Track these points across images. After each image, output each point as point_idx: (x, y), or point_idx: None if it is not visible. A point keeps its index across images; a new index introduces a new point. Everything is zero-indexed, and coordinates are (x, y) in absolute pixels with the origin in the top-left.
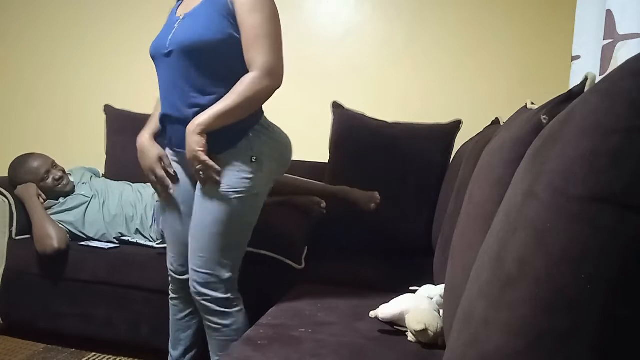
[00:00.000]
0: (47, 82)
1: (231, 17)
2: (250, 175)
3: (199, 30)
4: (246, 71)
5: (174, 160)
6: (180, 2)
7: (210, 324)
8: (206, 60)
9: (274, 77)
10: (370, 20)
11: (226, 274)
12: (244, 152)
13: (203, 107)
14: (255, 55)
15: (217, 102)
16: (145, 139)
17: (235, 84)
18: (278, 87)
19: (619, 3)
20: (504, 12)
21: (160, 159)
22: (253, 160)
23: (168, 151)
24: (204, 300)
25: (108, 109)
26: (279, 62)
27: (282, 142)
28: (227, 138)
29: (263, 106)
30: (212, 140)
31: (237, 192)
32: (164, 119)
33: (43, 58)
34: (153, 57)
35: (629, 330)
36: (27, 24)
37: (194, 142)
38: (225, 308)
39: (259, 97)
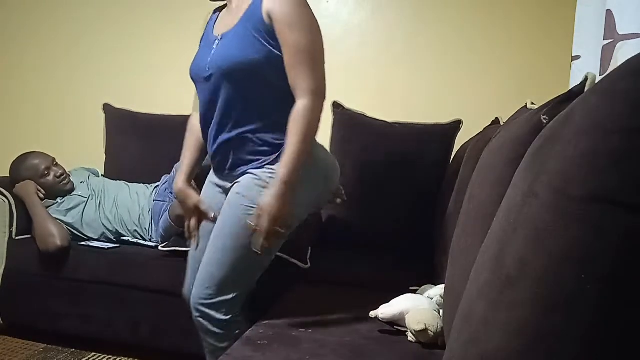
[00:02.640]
0: (45, 81)
1: (268, 33)
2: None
3: (236, 52)
4: (288, 88)
5: (215, 184)
6: (217, 14)
7: (206, 344)
8: (246, 81)
9: (321, 96)
10: (370, 20)
11: (231, 294)
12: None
13: (248, 131)
14: (299, 78)
15: (286, 152)
16: (180, 186)
17: (279, 103)
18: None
19: (619, 3)
20: (504, 12)
21: (197, 208)
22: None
23: (212, 175)
24: (202, 318)
25: (107, 108)
26: (323, 79)
27: (316, 165)
28: (264, 152)
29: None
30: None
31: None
32: (206, 141)
33: (41, 56)
34: (193, 79)
35: (629, 330)
36: (25, 22)
37: (281, 203)
38: (222, 330)
39: (317, 123)
